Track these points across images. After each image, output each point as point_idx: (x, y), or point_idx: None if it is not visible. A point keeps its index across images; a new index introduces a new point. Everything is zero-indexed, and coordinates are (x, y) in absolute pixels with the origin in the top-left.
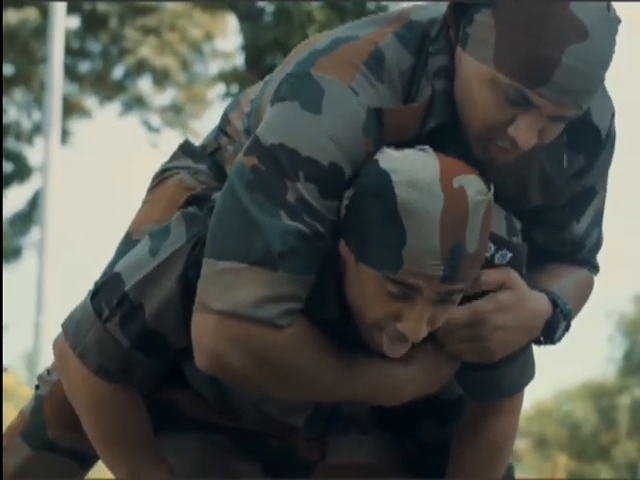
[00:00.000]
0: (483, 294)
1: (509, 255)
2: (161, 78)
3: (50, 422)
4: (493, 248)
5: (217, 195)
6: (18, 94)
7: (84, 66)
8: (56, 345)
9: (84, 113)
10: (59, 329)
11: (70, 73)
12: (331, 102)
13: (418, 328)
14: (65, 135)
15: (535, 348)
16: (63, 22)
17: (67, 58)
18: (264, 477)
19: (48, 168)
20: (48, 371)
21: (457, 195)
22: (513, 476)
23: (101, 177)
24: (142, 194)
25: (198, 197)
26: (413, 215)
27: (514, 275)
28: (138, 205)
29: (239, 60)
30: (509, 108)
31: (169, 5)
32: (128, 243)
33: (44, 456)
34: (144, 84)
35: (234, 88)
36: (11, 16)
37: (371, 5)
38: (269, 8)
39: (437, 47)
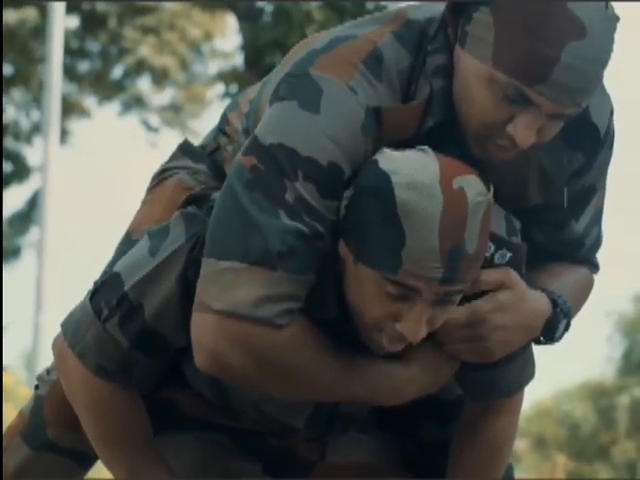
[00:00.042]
0: (483, 294)
1: (508, 255)
2: (160, 78)
3: (49, 422)
4: (493, 248)
5: (216, 195)
6: (17, 94)
7: (83, 66)
8: (55, 345)
9: (83, 113)
10: (58, 329)
11: (69, 73)
12: (330, 101)
13: (417, 329)
14: (64, 135)
15: (534, 348)
16: (62, 22)
17: (66, 58)
18: (264, 476)
19: (47, 168)
20: (47, 371)
21: (456, 196)
22: (513, 476)
23: (100, 177)
24: (141, 194)
25: (197, 197)
26: (412, 216)
27: (514, 275)
28: (137, 205)
29: (238, 60)
30: (508, 106)
31: (168, 5)
32: (127, 243)
33: (44, 456)
34: (143, 84)
35: (233, 88)
36: (10, 16)
37: (370, 5)
38: (268, 8)
39: (435, 46)
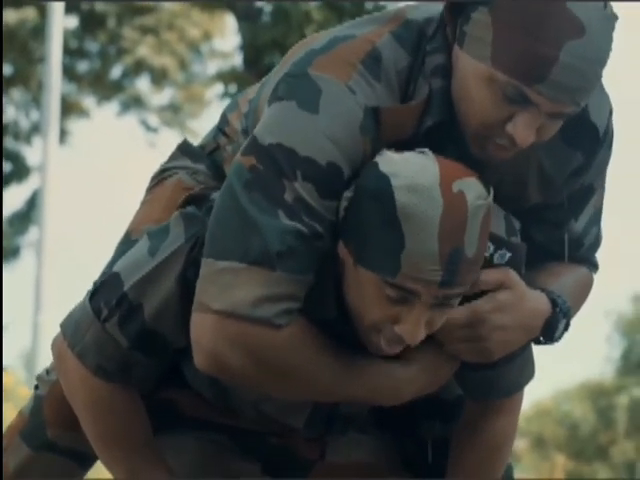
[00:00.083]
0: (482, 294)
1: (508, 255)
2: (159, 78)
3: (49, 422)
4: (492, 248)
5: (216, 195)
6: (16, 94)
7: (82, 66)
8: (54, 345)
9: (82, 113)
10: (57, 329)
11: (68, 73)
12: (328, 101)
13: (416, 331)
14: (63, 135)
15: (533, 347)
16: (61, 22)
17: (65, 58)
18: (264, 476)
19: (46, 168)
20: (47, 371)
21: (456, 200)
22: (512, 476)
23: (99, 177)
24: (140, 194)
25: (197, 197)
26: (412, 219)
27: (513, 275)
28: (136, 205)
29: (237, 60)
30: (507, 106)
31: (167, 5)
32: (127, 243)
33: (43, 456)
34: (142, 84)
35: (232, 88)
36: (10, 16)
37: (369, 5)
38: (267, 8)
39: (434, 46)
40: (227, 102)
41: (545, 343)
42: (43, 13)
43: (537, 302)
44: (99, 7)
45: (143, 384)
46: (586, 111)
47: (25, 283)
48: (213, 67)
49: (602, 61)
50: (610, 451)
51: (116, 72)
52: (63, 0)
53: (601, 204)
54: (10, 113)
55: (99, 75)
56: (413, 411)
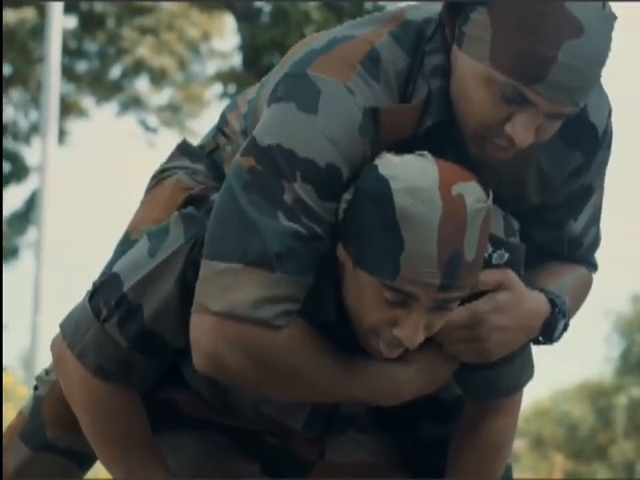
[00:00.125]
0: (481, 294)
1: (506, 255)
2: (158, 78)
3: (49, 423)
4: (490, 248)
5: (215, 195)
6: (15, 94)
7: (81, 66)
8: (54, 345)
9: (81, 113)
10: (56, 329)
11: (67, 73)
12: (327, 102)
13: (414, 334)
14: (62, 135)
15: (533, 348)
16: (60, 22)
17: (64, 58)
18: (263, 476)
19: (45, 168)
20: (46, 371)
21: (456, 203)
22: (511, 476)
23: (98, 177)
24: (140, 194)
25: (196, 197)
26: (411, 223)
27: (512, 275)
28: (136, 205)
29: (236, 60)
30: (505, 106)
31: (166, 5)
32: (126, 243)
33: (43, 456)
34: (141, 84)
35: (231, 88)
36: (9, 16)
37: (368, 5)
38: (266, 8)
39: (433, 46)
40: (226, 102)
41: (544, 343)
42: (42, 13)
43: (536, 302)
44: (98, 7)
45: (142, 384)
46: (585, 111)
47: (24, 283)
48: (212, 67)
49: (601, 61)
50: (609, 451)
51: (115, 72)
52: (62, 0)
53: (600, 204)
54: (9, 113)
55: (98, 75)
56: (412, 411)
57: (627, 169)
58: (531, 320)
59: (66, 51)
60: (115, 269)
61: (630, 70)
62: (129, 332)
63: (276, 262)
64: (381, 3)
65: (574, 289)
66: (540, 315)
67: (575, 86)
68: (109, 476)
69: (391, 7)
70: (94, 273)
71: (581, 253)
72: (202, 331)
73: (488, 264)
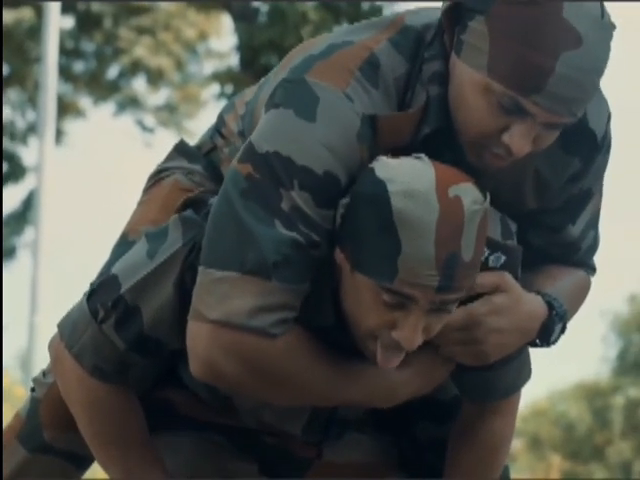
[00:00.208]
0: (478, 297)
1: (503, 258)
2: (155, 78)
3: (46, 424)
4: (487, 251)
5: (214, 199)
6: (12, 94)
7: (78, 66)
8: (52, 345)
9: (78, 113)
10: (53, 329)
11: (64, 73)
12: (326, 110)
13: (413, 337)
14: (59, 135)
15: (529, 348)
16: (57, 22)
17: (61, 58)
18: (261, 476)
19: (42, 168)
20: (44, 373)
21: (453, 205)
22: (509, 477)
23: (95, 177)
24: (137, 194)
25: (195, 200)
26: (409, 225)
27: (509, 278)
28: (133, 205)
29: (233, 60)
30: (503, 115)
31: (163, 5)
32: (124, 244)
33: (40, 458)
34: (138, 84)
35: (228, 88)
36: (6, 16)
37: (365, 5)
38: (263, 8)
39: (432, 53)
40: (223, 103)
41: (541, 346)
42: (39, 13)
43: (533, 305)
44: (95, 7)
45: (140, 384)
46: (584, 118)
47: (21, 284)
48: (209, 67)
49: (599, 71)
50: (606, 451)
51: (112, 72)
52: (59, 0)
53: (599, 208)
54: (6, 113)
55: (95, 75)
56: (410, 412)
57: (625, 170)
58: (528, 323)
59: (63, 51)
60: (113, 270)
61: (630, 70)
62: (126, 333)
63: (273, 271)
64: (378, 3)
65: (572, 292)
66: (537, 318)
67: (573, 97)
68: (107, 476)
69: (389, 8)
70: (91, 273)
71: (579, 257)
72: (198, 338)
73: (485, 267)
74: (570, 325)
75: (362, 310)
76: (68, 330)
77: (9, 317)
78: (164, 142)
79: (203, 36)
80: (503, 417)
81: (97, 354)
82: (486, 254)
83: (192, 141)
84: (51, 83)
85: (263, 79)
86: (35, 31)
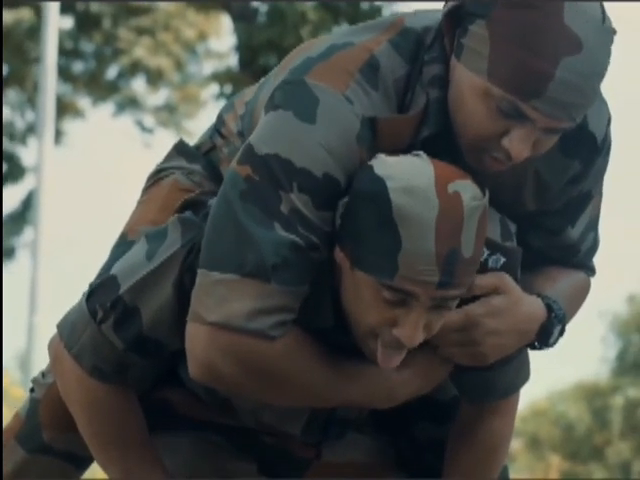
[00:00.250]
0: (476, 298)
1: (502, 259)
2: (155, 78)
3: (45, 425)
4: (486, 252)
5: (213, 201)
6: (12, 94)
7: (78, 66)
8: (51, 346)
9: (77, 113)
10: (53, 329)
11: (64, 73)
12: (325, 112)
13: (414, 334)
14: (59, 135)
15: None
16: (57, 22)
17: (61, 58)
18: (260, 476)
19: (42, 168)
20: (43, 374)
21: (452, 200)
22: (507, 477)
23: (95, 177)
24: (136, 194)
25: (194, 202)
26: (408, 221)
27: (508, 279)
28: (132, 205)
29: (233, 60)
30: (502, 120)
31: (163, 5)
32: (123, 244)
33: (39, 458)
34: (138, 84)
35: (228, 88)
36: (5, 16)
37: (365, 5)
38: (263, 8)
39: (432, 55)
40: (223, 103)
41: (540, 348)
42: (38, 13)
43: (532, 307)
44: (94, 8)
45: (139, 385)
46: (585, 120)
47: (20, 284)
48: (209, 68)
49: (599, 76)
50: (605, 452)
51: (111, 73)
52: (58, 0)
53: (598, 210)
54: (5, 113)
55: (94, 76)
56: (408, 412)
57: (624, 169)
58: (527, 324)
59: (62, 51)
60: (113, 271)
61: (630, 70)
62: (125, 334)
63: (271, 273)
64: (377, 3)
65: (571, 294)
66: (536, 320)
67: (573, 102)
68: (106, 476)
69: (388, 8)
70: (91, 274)
71: (579, 258)
72: (197, 340)
73: (484, 268)
74: (569, 325)
75: (362, 308)
76: (67, 330)
77: (8, 317)
78: (163, 142)
79: (202, 36)
80: (502, 417)
81: (96, 354)
82: (485, 255)
83: (191, 141)
84: (50, 83)
85: (263, 79)
86: (34, 31)
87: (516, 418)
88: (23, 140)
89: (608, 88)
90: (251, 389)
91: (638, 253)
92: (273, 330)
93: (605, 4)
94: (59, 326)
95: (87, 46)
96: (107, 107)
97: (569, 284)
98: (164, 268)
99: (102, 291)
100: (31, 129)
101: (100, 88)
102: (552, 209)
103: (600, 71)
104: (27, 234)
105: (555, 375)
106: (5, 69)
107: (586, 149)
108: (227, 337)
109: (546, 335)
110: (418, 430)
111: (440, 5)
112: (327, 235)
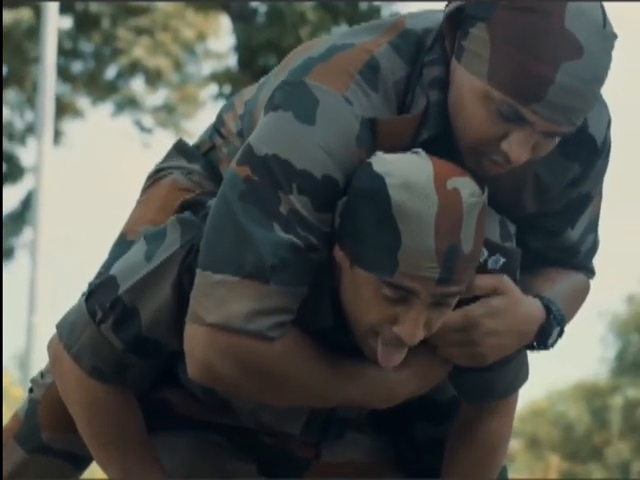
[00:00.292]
0: (476, 299)
1: (502, 260)
2: (154, 78)
3: (44, 425)
4: (486, 253)
5: (212, 201)
6: (11, 94)
7: (77, 66)
8: (50, 346)
9: (77, 113)
10: (52, 329)
11: (63, 73)
12: (325, 113)
13: (414, 331)
14: (58, 135)
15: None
16: (56, 22)
17: (60, 58)
18: (259, 476)
19: (41, 168)
20: (42, 374)
21: (451, 197)
22: (506, 477)
23: (94, 177)
24: (135, 194)
25: (194, 202)
26: (408, 217)
27: (507, 280)
28: (131, 205)
29: (232, 60)
30: (502, 123)
31: (161, 5)
32: (122, 244)
33: (38, 458)
34: (136, 84)
35: (226, 88)
36: (5, 16)
37: (364, 5)
38: (262, 9)
39: (432, 57)
40: (222, 103)
41: (539, 349)
42: (38, 13)
43: (531, 308)
44: (93, 8)
45: (138, 385)
46: (585, 123)
47: (19, 284)
48: (207, 68)
49: (600, 81)
50: (604, 452)
51: (110, 73)
52: (58, 0)
53: (598, 211)
54: (5, 114)
55: (93, 76)
56: (407, 412)
57: (624, 169)
58: (526, 325)
59: (61, 51)
60: (112, 271)
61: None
62: (124, 334)
63: (270, 274)
64: (376, 3)
65: (570, 295)
66: (535, 321)
67: (573, 106)
68: (105, 476)
69: (387, 8)
70: (90, 274)
71: (578, 260)
72: (196, 341)
73: (484, 269)
74: (569, 325)
75: (363, 306)
76: (66, 331)
77: (8, 317)
78: (162, 142)
79: (201, 36)
80: (501, 417)
81: (95, 355)
82: (485, 256)
83: (190, 141)
84: (49, 83)
85: (263, 79)
86: (33, 31)
87: (515, 418)
88: (22, 140)
89: (608, 89)
90: (250, 390)
91: (638, 253)
92: (272, 331)
93: (605, 4)
94: (58, 326)
95: (86, 46)
96: (106, 107)
97: (568, 285)
98: (163, 269)
99: (101, 291)
100: (30, 129)
101: (99, 88)
102: (552, 211)
103: (600, 76)
104: (26, 234)
105: (554, 375)
106: (4, 69)
107: (586, 152)
108: (226, 338)
109: (545, 336)
110: (417, 430)
111: (440, 5)
112: (326, 236)
